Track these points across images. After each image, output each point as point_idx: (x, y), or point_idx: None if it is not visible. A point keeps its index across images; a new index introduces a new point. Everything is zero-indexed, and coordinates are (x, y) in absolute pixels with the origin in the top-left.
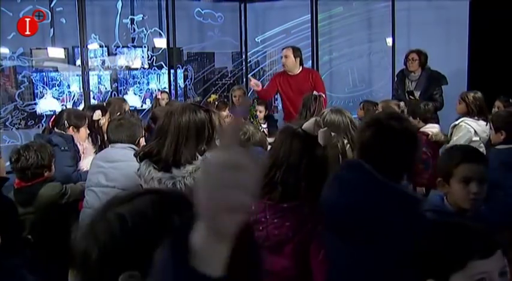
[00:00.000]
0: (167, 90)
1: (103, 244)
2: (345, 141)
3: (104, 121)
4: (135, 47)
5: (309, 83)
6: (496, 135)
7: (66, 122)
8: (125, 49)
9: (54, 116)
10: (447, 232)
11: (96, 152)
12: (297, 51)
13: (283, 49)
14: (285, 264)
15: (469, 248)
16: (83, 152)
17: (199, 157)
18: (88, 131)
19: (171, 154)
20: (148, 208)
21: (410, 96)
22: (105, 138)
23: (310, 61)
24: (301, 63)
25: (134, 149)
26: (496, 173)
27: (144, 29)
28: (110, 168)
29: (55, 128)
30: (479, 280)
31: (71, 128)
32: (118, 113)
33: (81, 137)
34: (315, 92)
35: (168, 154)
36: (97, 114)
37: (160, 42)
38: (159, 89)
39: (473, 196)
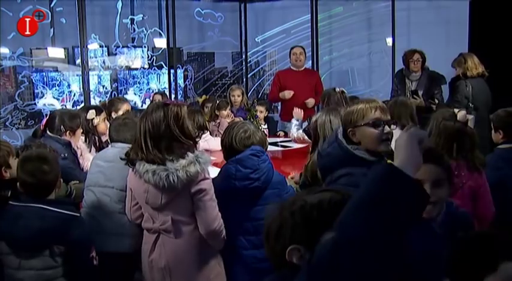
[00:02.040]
0: (167, 90)
1: (284, 219)
2: None
3: (98, 121)
4: (135, 47)
5: (312, 80)
6: (496, 134)
7: (62, 127)
8: (125, 49)
9: (46, 120)
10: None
11: (90, 150)
12: (305, 51)
13: (294, 47)
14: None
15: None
16: (81, 154)
17: (190, 154)
18: (81, 130)
19: (143, 155)
20: (325, 202)
21: (414, 96)
22: (100, 138)
23: (310, 61)
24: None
25: None
26: (501, 172)
27: (144, 29)
28: (108, 168)
29: (47, 131)
30: None
31: (67, 132)
32: (121, 113)
33: (77, 139)
34: (337, 88)
35: (141, 156)
36: (90, 114)
37: (160, 42)
38: (158, 89)
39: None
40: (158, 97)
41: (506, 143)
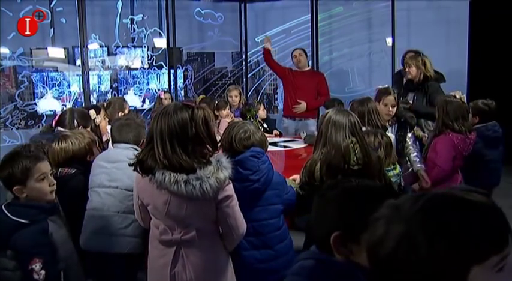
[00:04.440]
0: (168, 90)
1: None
2: (349, 141)
3: (99, 120)
4: (135, 47)
5: (314, 82)
6: (473, 118)
7: (75, 121)
8: (125, 49)
9: (58, 116)
10: None
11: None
12: (305, 52)
13: (294, 50)
14: None
15: None
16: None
17: (212, 159)
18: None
19: (162, 159)
20: None
21: None
22: (103, 137)
23: (310, 61)
24: (308, 64)
25: (136, 150)
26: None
27: (144, 29)
28: (112, 168)
29: (58, 127)
30: None
31: (80, 128)
32: (120, 113)
33: None
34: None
35: (161, 160)
36: (91, 114)
37: (160, 42)
38: (162, 89)
39: None
40: (168, 95)
41: (479, 124)
